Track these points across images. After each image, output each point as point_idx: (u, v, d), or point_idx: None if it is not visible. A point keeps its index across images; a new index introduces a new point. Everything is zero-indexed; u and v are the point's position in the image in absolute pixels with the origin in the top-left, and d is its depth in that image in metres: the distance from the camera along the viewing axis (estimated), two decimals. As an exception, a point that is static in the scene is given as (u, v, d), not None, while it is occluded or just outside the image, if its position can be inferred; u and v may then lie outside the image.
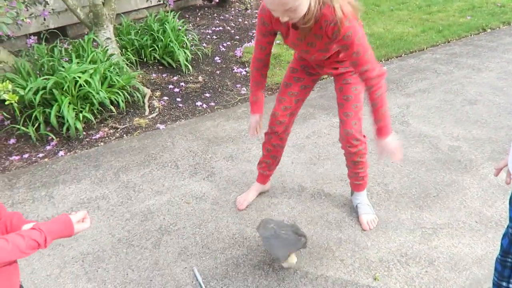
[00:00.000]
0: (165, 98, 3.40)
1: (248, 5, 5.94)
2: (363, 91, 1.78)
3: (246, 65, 3.99)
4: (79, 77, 2.88)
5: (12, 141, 2.85)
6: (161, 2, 4.51)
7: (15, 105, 2.70)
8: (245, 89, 3.53)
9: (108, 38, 3.51)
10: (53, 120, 2.79)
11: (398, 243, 1.91)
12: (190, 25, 5.04)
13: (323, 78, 3.64)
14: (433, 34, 4.58)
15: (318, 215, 2.10)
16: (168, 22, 3.87)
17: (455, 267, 1.78)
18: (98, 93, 2.92)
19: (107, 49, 3.40)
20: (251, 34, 4.82)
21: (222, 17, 5.43)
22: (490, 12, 5.18)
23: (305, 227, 2.03)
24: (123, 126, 3.03)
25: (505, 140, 2.65)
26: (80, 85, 2.89)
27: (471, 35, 4.57)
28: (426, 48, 4.29)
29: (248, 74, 3.81)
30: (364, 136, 1.86)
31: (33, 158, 2.70)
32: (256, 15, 5.54)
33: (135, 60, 3.73)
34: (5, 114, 2.98)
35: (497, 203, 2.13)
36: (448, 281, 1.71)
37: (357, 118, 1.80)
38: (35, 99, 2.78)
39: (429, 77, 3.61)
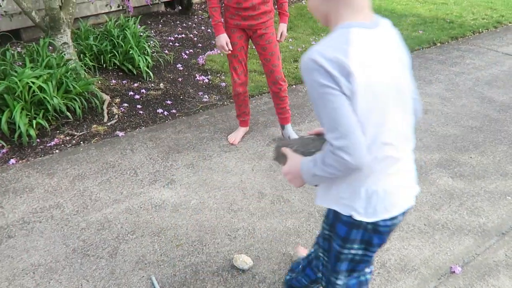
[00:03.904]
0: (125, 105, 3.35)
1: (211, 14, 5.97)
2: (278, 44, 2.54)
3: (209, 73, 4.01)
4: (33, 83, 2.78)
5: (-42, 148, 2.70)
6: (121, 8, 4.45)
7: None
8: (207, 97, 3.54)
9: (65, 43, 3.41)
10: (4, 126, 2.67)
11: (352, 246, 1.98)
12: (152, 31, 4.99)
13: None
14: (388, 47, 4.81)
15: (277, 221, 2.14)
16: (128, 28, 3.82)
17: (405, 268, 1.87)
18: (52, 99, 2.83)
19: (64, 54, 3.30)
20: (213, 42, 4.85)
21: (185, 25, 5.42)
22: (440, 27, 5.51)
23: (264, 233, 2.06)
24: (80, 133, 2.95)
25: (451, 147, 2.83)
26: (34, 91, 2.79)
27: (422, 48, 4.84)
28: (382, 60, 4.49)
29: (211, 82, 3.83)
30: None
31: (-18, 167, 2.57)
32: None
33: (94, 66, 3.65)
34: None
35: (444, 206, 2.26)
36: (398, 281, 1.80)
37: (280, 65, 2.59)
38: (-16, 104, 2.66)
39: (384, 88, 3.78)
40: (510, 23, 5.79)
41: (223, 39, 2.44)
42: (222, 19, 2.45)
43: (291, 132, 2.83)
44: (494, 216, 2.19)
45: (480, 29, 5.46)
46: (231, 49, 2.48)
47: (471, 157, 2.71)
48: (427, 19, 5.87)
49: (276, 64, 2.55)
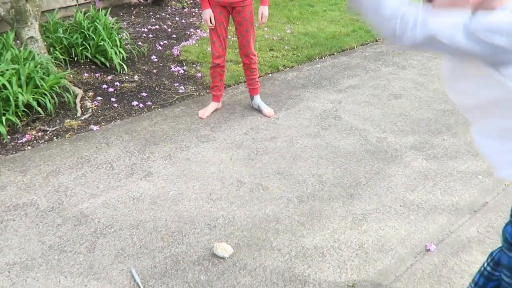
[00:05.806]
0: (99, 98, 3.27)
1: (185, 4, 5.88)
2: (254, 23, 2.78)
3: (184, 64, 3.96)
4: None
5: None
6: (90, 0, 4.34)
7: None
8: (183, 88, 3.50)
9: (32, 37, 3.30)
10: (-29, 124, 2.58)
11: (331, 229, 2.02)
12: (125, 23, 4.89)
13: (260, 76, 3.72)
14: (362, 34, 4.86)
15: (256, 208, 2.15)
16: (99, 20, 3.72)
17: (382, 248, 1.91)
18: (21, 95, 2.74)
19: (32, 48, 3.19)
20: (188, 32, 4.79)
21: (158, 16, 5.33)
22: (413, 13, 5.60)
23: (244, 220, 2.07)
24: (53, 129, 2.87)
25: (425, 130, 2.89)
26: (1, 87, 2.69)
27: (396, 35, 4.91)
28: (357, 47, 4.54)
29: (186, 73, 3.79)
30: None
31: (-51, 166, 2.48)
32: (193, 13, 5.50)
33: (65, 59, 3.55)
34: None
35: (419, 187, 2.32)
36: (376, 261, 1.84)
37: (252, 42, 2.84)
38: (-51, 101, 2.55)
39: (359, 74, 3.82)
40: (479, 8, 5.93)
41: (207, 14, 2.68)
42: None
43: (260, 102, 3.09)
44: (466, 195, 2.26)
45: (451, 15, 5.58)
46: (214, 23, 2.70)
47: (444, 139, 2.78)
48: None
49: (249, 40, 2.81)
